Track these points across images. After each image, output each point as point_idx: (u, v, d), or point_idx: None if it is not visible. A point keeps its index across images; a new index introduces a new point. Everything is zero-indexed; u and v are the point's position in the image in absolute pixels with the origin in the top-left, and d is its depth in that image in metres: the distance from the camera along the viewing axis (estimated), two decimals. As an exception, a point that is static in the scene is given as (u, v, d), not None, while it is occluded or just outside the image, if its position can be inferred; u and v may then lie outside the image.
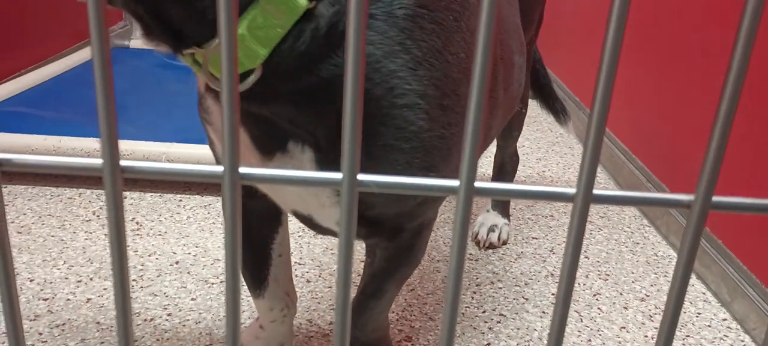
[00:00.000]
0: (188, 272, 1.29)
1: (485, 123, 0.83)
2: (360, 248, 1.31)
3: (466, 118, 0.89)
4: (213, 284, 1.26)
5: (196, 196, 1.59)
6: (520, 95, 1.03)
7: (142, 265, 1.30)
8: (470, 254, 1.42)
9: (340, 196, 0.85)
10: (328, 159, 0.71)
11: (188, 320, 1.15)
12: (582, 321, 1.21)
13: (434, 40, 0.70)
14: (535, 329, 1.18)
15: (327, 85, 0.66)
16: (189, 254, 1.35)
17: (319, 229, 0.84)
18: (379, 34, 0.66)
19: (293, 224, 1.39)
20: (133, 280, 1.25)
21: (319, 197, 0.77)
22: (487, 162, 1.82)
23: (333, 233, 0.85)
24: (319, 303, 1.22)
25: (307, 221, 0.84)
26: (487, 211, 1.49)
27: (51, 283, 1.23)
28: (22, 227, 1.42)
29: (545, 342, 1.14)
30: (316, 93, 0.66)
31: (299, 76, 0.65)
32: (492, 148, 1.55)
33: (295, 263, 1.33)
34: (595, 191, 0.28)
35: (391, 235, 0.82)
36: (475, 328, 1.17)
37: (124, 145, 1.55)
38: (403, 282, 0.90)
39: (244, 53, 0.62)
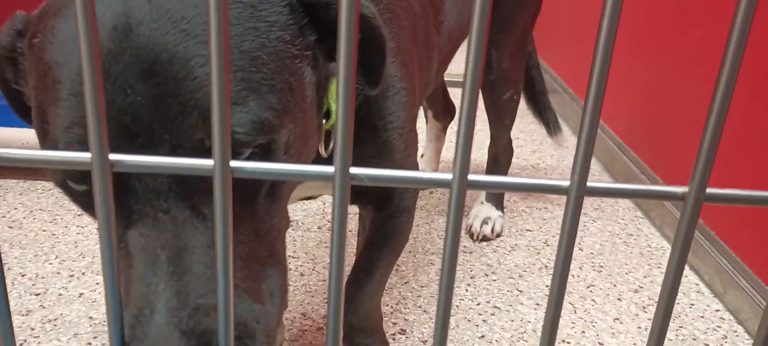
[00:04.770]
0: (182, 266, 1.28)
1: (426, 70, 0.83)
2: (353, 241, 1.31)
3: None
4: (207, 277, 1.25)
5: (189, 189, 1.58)
6: (463, 26, 1.00)
7: (135, 259, 1.30)
8: (464, 246, 1.43)
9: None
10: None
11: (182, 314, 1.15)
12: (576, 313, 1.21)
13: (396, 27, 0.71)
14: (529, 321, 1.18)
15: None
16: (182, 247, 1.35)
17: None
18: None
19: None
20: (127, 274, 1.25)
21: None
22: (480, 154, 1.82)
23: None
24: (312, 297, 1.22)
25: None
26: (481, 203, 1.49)
27: (43, 278, 1.23)
28: (13, 221, 1.41)
29: (539, 334, 1.15)
30: None
31: None
32: (486, 140, 1.54)
33: (289, 256, 1.33)
34: (589, 184, 0.27)
35: (380, 202, 0.83)
36: (469, 320, 1.17)
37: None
38: (393, 258, 0.91)
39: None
